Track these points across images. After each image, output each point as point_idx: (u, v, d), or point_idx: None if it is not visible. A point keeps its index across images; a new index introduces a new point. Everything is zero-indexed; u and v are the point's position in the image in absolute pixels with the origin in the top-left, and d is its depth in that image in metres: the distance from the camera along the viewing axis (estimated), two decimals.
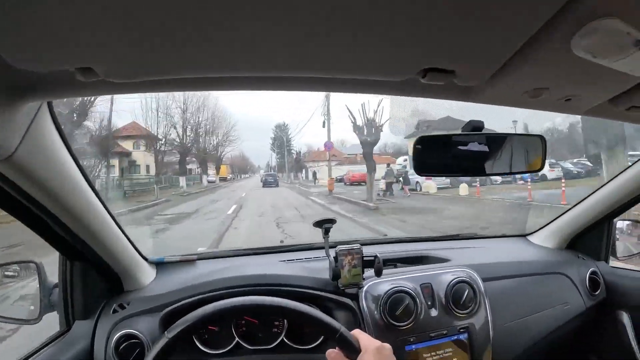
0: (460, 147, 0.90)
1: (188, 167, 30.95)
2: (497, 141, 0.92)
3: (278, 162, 57.15)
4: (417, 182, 18.75)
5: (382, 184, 17.45)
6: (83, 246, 1.09)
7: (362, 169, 28.56)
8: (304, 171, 44.79)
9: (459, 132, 0.90)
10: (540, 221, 1.91)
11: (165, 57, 0.55)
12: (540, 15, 0.48)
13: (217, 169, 36.68)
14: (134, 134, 25.78)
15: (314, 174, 33.38)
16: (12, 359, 1.07)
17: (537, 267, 1.61)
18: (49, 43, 0.49)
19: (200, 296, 1.20)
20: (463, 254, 1.62)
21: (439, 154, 0.92)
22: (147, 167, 27.05)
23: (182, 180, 25.36)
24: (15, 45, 0.50)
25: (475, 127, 0.89)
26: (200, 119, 28.46)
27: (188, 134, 27.41)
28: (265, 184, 29.23)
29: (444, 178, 15.20)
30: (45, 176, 0.84)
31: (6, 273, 1.22)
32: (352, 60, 0.59)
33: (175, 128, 26.48)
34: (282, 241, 1.90)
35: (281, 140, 54.93)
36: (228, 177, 45.36)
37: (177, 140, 26.53)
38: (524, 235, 1.93)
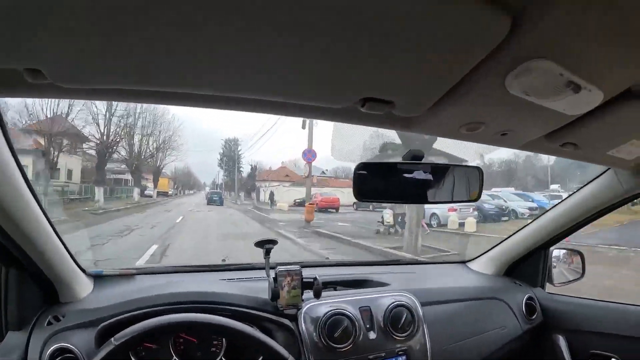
0: (399, 175, 1.08)
1: (121, 177, 28.68)
2: (436, 170, 1.10)
3: (225, 179, 57.21)
4: (434, 213, 15.19)
5: (387, 215, 14.12)
6: (19, 251, 1.14)
7: (328, 192, 28.70)
8: (256, 191, 43.58)
9: (399, 160, 1.07)
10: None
11: (115, 65, 0.61)
12: (474, 54, 0.58)
13: (155, 182, 33.59)
14: (51, 128, 20.76)
15: (272, 195, 31.75)
16: None
17: (475, 292, 1.84)
18: None
19: (138, 311, 1.28)
20: (403, 279, 1.83)
21: (379, 181, 1.09)
22: (70, 172, 24.06)
23: (99, 192, 20.66)
24: None
25: (416, 156, 1.06)
26: (133, 112, 24.16)
27: (113, 129, 22.54)
28: (210, 201, 30.48)
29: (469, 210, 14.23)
30: None
31: None
32: (295, 85, 0.68)
33: (94, 119, 21.48)
34: (223, 260, 2.00)
35: (230, 156, 54.83)
36: (169, 193, 43.31)
37: (96, 136, 21.68)
38: (463, 262, 2.18)
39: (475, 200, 1.17)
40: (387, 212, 14.19)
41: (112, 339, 1.03)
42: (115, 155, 25.09)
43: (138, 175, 27.13)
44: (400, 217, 13.51)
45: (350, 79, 0.64)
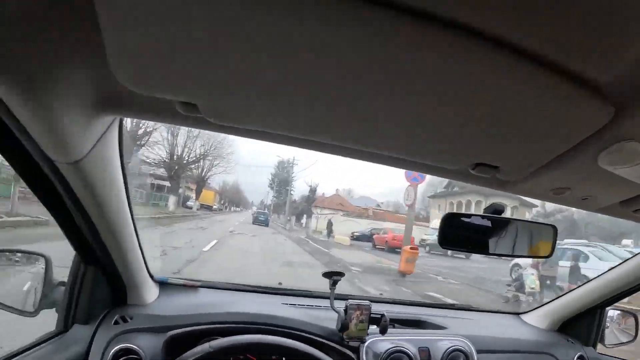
0: (482, 227, 1.25)
1: (164, 183, 28.25)
2: (515, 225, 1.28)
3: (274, 201, 57.66)
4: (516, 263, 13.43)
5: (530, 278, 10.84)
6: (104, 253, 1.35)
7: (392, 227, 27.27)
8: (304, 217, 44.06)
9: (482, 213, 1.26)
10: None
11: (261, 110, 0.75)
12: (578, 134, 0.70)
13: (198, 193, 34.06)
14: None
15: (330, 224, 30.25)
16: None
17: (528, 345, 1.96)
18: (164, 75, 0.65)
19: (207, 326, 1.49)
20: (459, 324, 1.97)
21: (462, 231, 1.27)
22: None
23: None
24: (130, 69, 0.64)
25: (497, 210, 1.23)
26: None
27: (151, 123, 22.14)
28: (256, 221, 32.72)
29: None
30: (99, 185, 1.08)
31: (12, 259, 1.51)
32: (423, 146, 0.84)
33: None
34: (280, 283, 2.24)
35: (282, 178, 55.22)
36: (214, 207, 43.43)
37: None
38: (517, 314, 2.29)
39: (548, 256, 1.33)
40: (529, 273, 11.17)
41: (209, 345, 1.21)
42: (152, 156, 24.55)
43: (177, 182, 26.86)
44: (549, 281, 11.16)
45: (470, 147, 0.80)
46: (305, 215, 44.05)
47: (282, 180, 55.48)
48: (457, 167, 0.92)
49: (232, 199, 63.41)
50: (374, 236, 27.36)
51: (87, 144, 0.94)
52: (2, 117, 0.78)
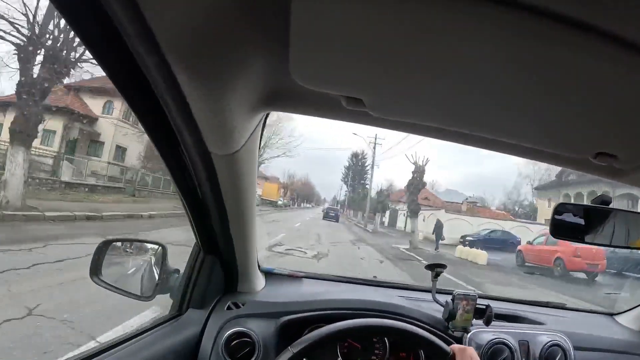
0: (594, 218, 1.30)
1: None
2: (625, 217, 1.33)
3: (348, 196, 55.48)
4: None
5: None
6: (227, 242, 1.50)
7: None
8: (380, 215, 39.81)
9: (591, 204, 1.32)
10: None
11: (421, 105, 0.84)
12: None
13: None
14: None
15: (439, 226, 23.60)
16: None
17: (624, 346, 1.95)
18: (337, 72, 0.73)
19: (319, 312, 1.64)
20: (556, 321, 2.01)
21: (575, 221, 1.31)
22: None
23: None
24: (308, 66, 0.72)
25: (604, 201, 1.29)
26: None
27: None
28: (326, 216, 35.78)
29: None
30: (244, 176, 1.20)
31: (126, 249, 1.70)
32: (548, 136, 0.90)
33: None
34: (375, 277, 2.33)
35: (357, 171, 53.60)
36: (279, 202, 42.20)
37: None
38: (610, 314, 2.28)
39: None
40: None
41: (290, 347, 1.25)
42: None
43: None
44: None
45: (592, 134, 0.83)
46: (387, 212, 41.06)
47: (356, 173, 53.92)
48: (579, 156, 0.95)
49: (303, 194, 63.37)
50: (521, 248, 19.91)
51: (244, 137, 1.05)
52: (171, 108, 0.85)
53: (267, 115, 1.15)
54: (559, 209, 1.29)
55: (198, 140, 0.98)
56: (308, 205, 66.94)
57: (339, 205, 56.23)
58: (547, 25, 0.54)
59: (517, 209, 43.02)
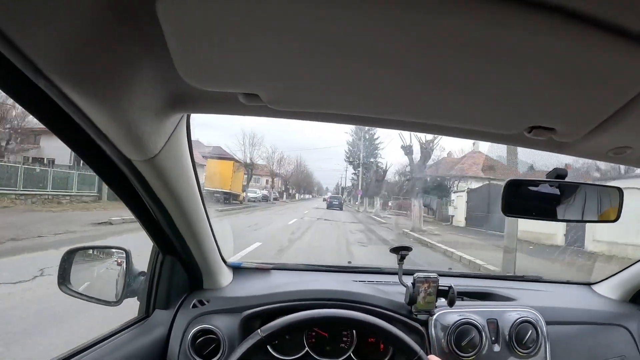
0: (546, 193, 1.29)
1: None
2: (579, 189, 1.32)
3: (354, 181, 48.07)
4: None
5: None
6: (181, 243, 1.53)
7: None
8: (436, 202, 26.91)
9: (544, 178, 1.28)
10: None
11: (318, 95, 0.84)
12: (633, 88, 0.70)
13: None
14: None
15: None
16: None
17: (598, 316, 1.97)
18: (226, 70, 0.74)
19: (280, 304, 1.65)
20: (528, 295, 2.02)
21: (527, 198, 1.31)
22: None
23: None
24: (194, 68, 0.73)
25: (560, 174, 1.27)
26: None
27: None
28: (330, 205, 36.01)
29: None
30: (173, 178, 1.23)
31: (92, 254, 1.71)
32: (472, 115, 0.89)
33: None
34: (349, 262, 2.38)
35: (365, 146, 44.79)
36: (242, 196, 32.26)
37: None
38: (588, 284, 2.30)
39: (615, 220, 1.34)
40: None
41: (259, 330, 1.31)
42: None
43: None
44: None
45: (524, 110, 0.83)
46: (452, 198, 25.74)
47: (365, 148, 44.46)
48: (513, 132, 0.95)
49: (304, 185, 59.75)
50: None
51: (160, 141, 1.08)
52: (79, 122, 0.88)
53: (187, 117, 1.17)
54: (510, 187, 1.27)
55: (113, 149, 1.01)
56: (307, 196, 62.59)
57: (346, 193, 53.46)
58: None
59: None
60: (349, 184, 52.49)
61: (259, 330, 1.29)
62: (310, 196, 63.50)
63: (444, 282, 1.72)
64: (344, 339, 1.72)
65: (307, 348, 1.68)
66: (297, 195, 56.04)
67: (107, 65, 0.76)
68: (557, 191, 1.29)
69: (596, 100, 0.76)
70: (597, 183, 1.34)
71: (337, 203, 36.71)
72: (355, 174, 48.04)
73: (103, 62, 0.74)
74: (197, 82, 0.78)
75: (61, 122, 0.88)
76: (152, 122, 0.99)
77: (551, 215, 1.31)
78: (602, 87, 0.71)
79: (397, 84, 0.76)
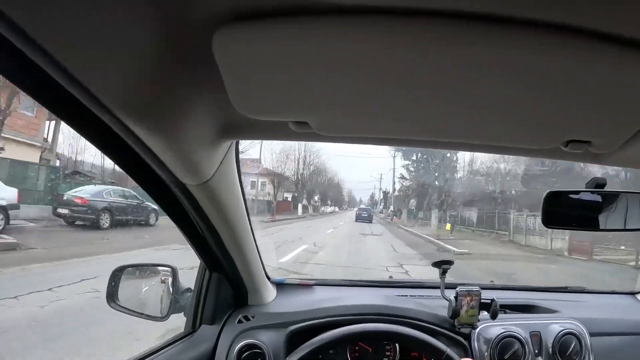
0: (588, 203, 1.32)
1: None
2: (620, 198, 1.34)
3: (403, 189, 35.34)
4: None
5: None
6: (228, 261, 1.62)
7: None
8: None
9: (584, 188, 1.32)
10: None
11: (364, 121, 0.91)
12: None
13: None
14: None
15: None
16: None
17: None
18: (278, 101, 0.82)
19: (325, 319, 1.70)
20: (571, 307, 2.02)
21: (567, 209, 1.35)
22: None
23: None
24: (248, 100, 0.81)
25: (599, 184, 1.29)
26: None
27: None
28: (359, 218, 34.18)
29: None
30: (224, 200, 1.32)
31: (140, 272, 1.80)
32: (512, 133, 0.96)
33: None
34: (390, 277, 2.43)
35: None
36: None
37: None
38: (633, 293, 2.27)
39: None
40: None
41: (305, 344, 1.39)
42: None
43: None
44: None
45: (561, 126, 0.87)
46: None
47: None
48: (550, 147, 0.99)
49: (333, 196, 56.44)
50: None
51: (212, 167, 1.17)
52: (138, 151, 0.96)
53: (236, 143, 1.27)
54: (550, 199, 1.30)
55: (170, 175, 1.10)
56: (329, 208, 53.19)
57: (382, 205, 49.58)
58: (500, 27, 0.58)
59: None
60: (391, 189, 40.48)
61: (304, 345, 1.36)
62: (331, 209, 53.69)
63: (485, 295, 1.74)
64: (387, 353, 1.76)
65: None
66: (320, 209, 47.74)
67: (166, 100, 0.84)
68: (598, 200, 1.31)
69: (629, 112, 0.79)
70: (637, 191, 1.37)
71: (366, 215, 35.81)
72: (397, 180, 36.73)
73: (162, 97, 0.82)
74: (249, 112, 0.86)
75: (121, 151, 0.96)
76: (206, 149, 1.08)
77: (593, 225, 1.33)
78: (635, 100, 0.74)
79: (440, 108, 0.82)
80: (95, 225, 14.64)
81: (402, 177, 36.87)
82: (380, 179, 47.12)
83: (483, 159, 27.37)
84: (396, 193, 38.82)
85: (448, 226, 23.71)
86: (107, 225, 15.19)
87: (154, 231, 16.18)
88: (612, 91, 0.72)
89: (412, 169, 35.16)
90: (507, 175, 25.62)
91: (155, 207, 17.08)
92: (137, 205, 17.37)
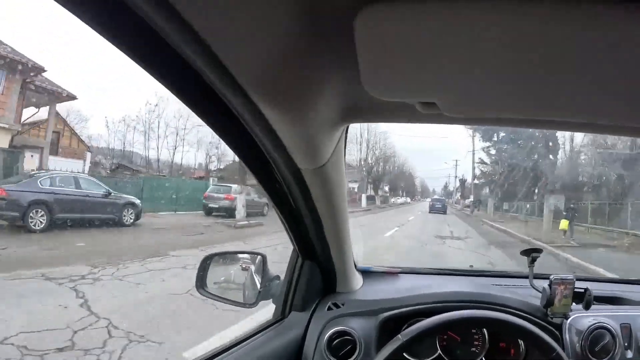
0: None
1: None
2: None
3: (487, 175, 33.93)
4: None
5: None
6: (324, 248, 1.63)
7: None
8: None
9: None
10: None
11: (490, 98, 0.87)
12: None
13: None
14: None
15: None
16: None
17: None
18: (409, 81, 0.79)
19: (417, 307, 1.70)
20: None
21: None
22: None
23: None
24: (380, 80, 0.79)
25: None
26: None
27: None
28: (432, 209, 34.42)
29: None
30: (333, 185, 1.32)
31: (229, 259, 1.88)
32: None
33: None
34: (471, 266, 2.39)
35: None
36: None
37: None
38: None
39: None
40: None
41: (400, 335, 1.35)
42: None
43: None
44: None
45: None
46: None
47: None
48: None
49: (405, 187, 56.35)
50: None
51: (328, 151, 1.16)
52: (261, 135, 0.99)
53: (348, 127, 1.24)
54: None
55: (288, 159, 1.11)
56: (400, 200, 52.85)
57: (460, 194, 45.77)
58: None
59: None
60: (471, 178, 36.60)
61: (399, 335, 1.34)
62: (402, 200, 53.62)
63: (577, 285, 1.70)
64: (475, 342, 1.73)
65: (439, 351, 1.70)
66: (389, 199, 46.21)
67: (301, 81, 0.84)
68: None
69: None
70: None
71: (439, 206, 35.24)
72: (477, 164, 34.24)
73: (298, 78, 0.82)
74: (379, 93, 0.84)
75: (239, 136, 1.00)
76: (326, 132, 1.08)
77: None
78: None
79: (572, 86, 0.78)
80: (19, 226, 11.26)
81: (481, 162, 33.27)
82: (456, 165, 45.56)
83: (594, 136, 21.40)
84: (475, 181, 35.73)
85: (564, 223, 16.53)
86: (42, 225, 11.63)
87: (125, 234, 13.06)
88: None
89: (492, 151, 30.67)
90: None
91: (134, 200, 14.72)
92: (100, 198, 13.66)
